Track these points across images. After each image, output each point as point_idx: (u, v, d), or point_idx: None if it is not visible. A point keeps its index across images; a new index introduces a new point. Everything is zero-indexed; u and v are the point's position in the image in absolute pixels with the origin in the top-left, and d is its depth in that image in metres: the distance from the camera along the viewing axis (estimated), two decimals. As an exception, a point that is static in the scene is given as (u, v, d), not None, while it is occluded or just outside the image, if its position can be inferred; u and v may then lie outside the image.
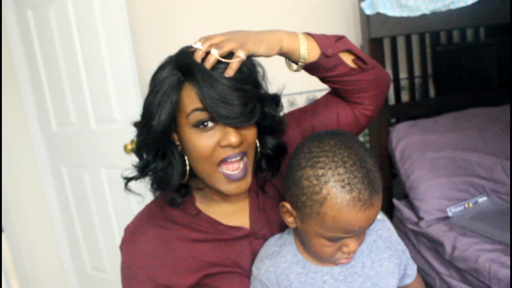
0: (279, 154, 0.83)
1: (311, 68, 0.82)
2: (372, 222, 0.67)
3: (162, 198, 0.84)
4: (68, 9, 1.89)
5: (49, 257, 2.38)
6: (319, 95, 2.26)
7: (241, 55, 0.70)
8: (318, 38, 0.80)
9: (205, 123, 0.71)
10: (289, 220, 0.73)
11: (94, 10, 1.80)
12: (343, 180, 0.64)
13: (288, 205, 0.71)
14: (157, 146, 0.76)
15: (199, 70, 0.70)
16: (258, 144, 0.80)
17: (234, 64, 0.69)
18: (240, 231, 0.82)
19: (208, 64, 0.69)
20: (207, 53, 0.70)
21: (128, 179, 0.82)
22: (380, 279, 0.75)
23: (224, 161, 0.73)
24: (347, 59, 0.82)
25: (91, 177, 2.10)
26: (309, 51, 0.79)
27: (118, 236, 2.08)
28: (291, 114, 0.92)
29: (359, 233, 0.69)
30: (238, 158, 0.73)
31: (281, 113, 0.84)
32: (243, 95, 0.69)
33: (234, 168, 0.74)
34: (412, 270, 0.83)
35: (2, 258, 1.98)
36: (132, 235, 0.83)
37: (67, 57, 1.97)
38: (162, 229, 0.81)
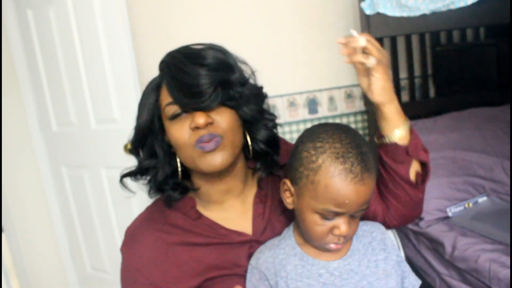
0: (270, 146, 0.84)
1: (385, 145, 0.83)
2: (362, 200, 0.70)
3: (162, 201, 0.85)
4: (68, 9, 1.89)
5: (49, 257, 2.38)
6: (319, 95, 2.27)
7: (371, 61, 0.76)
8: (414, 132, 0.83)
9: (178, 114, 0.76)
10: (288, 200, 0.77)
11: (94, 10, 1.80)
12: (338, 153, 0.69)
13: (287, 182, 0.76)
14: (143, 143, 0.82)
15: (169, 67, 0.76)
16: (249, 139, 0.83)
17: (358, 57, 0.77)
18: (242, 236, 0.83)
19: (349, 45, 0.77)
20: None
21: (123, 175, 0.86)
22: (376, 279, 0.75)
23: (198, 142, 0.76)
24: (414, 169, 0.85)
25: (91, 177, 2.10)
26: (400, 135, 0.81)
27: (118, 236, 2.08)
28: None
29: (349, 211, 0.70)
30: (210, 138, 0.75)
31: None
32: (207, 78, 0.73)
33: (207, 144, 0.76)
34: (410, 284, 0.80)
35: (2, 258, 1.98)
36: (133, 238, 0.83)
37: (67, 57, 1.97)
38: (163, 233, 0.82)
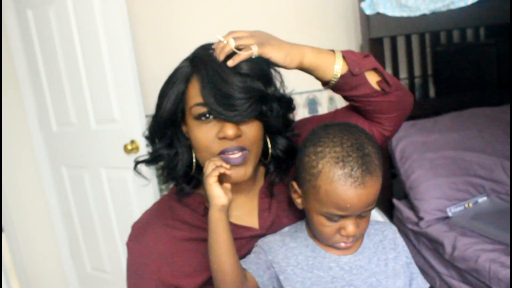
0: (289, 156, 0.83)
1: (336, 85, 0.81)
2: (365, 203, 0.69)
3: (170, 197, 0.85)
4: (68, 9, 1.89)
5: (49, 257, 2.38)
6: (319, 95, 2.26)
7: (253, 49, 0.71)
8: (346, 55, 0.79)
9: (206, 116, 0.74)
10: (298, 200, 0.78)
11: (94, 10, 1.80)
12: (337, 157, 0.69)
13: (295, 184, 0.77)
14: (162, 133, 0.80)
15: (205, 64, 0.73)
16: (269, 146, 0.82)
17: (242, 56, 0.71)
18: (250, 231, 0.83)
19: (223, 52, 0.71)
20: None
21: (137, 162, 0.84)
22: (385, 277, 0.76)
23: (222, 153, 0.75)
24: (372, 79, 0.81)
25: (91, 177, 2.10)
26: (339, 68, 0.78)
27: (118, 236, 2.08)
28: (309, 119, 0.94)
29: (353, 214, 0.70)
30: (236, 152, 0.74)
31: (296, 117, 0.86)
32: (243, 91, 0.71)
33: (234, 157, 0.75)
34: (418, 286, 0.80)
35: (2, 258, 1.98)
36: (141, 233, 0.83)
37: (67, 57, 1.97)
38: (171, 228, 0.81)
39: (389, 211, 2.03)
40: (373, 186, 0.70)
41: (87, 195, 2.15)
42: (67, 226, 2.35)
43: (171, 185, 0.87)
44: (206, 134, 0.74)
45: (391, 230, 0.82)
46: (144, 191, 1.87)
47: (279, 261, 0.75)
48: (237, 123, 0.73)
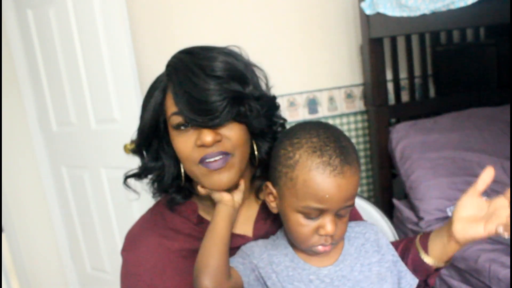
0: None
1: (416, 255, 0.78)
2: (344, 195, 0.66)
3: (163, 205, 0.84)
4: (68, 9, 1.89)
5: (49, 257, 2.38)
6: (319, 95, 2.27)
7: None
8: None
9: (184, 125, 0.72)
10: (272, 204, 0.74)
11: (94, 10, 1.80)
12: (315, 147, 0.67)
13: (269, 184, 0.73)
14: (148, 146, 0.79)
15: (177, 71, 0.71)
16: (255, 149, 0.79)
17: None
18: (244, 239, 0.81)
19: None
20: None
21: (127, 176, 0.83)
22: (370, 284, 0.72)
23: (202, 160, 0.72)
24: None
25: (91, 177, 2.10)
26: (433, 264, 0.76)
27: (118, 236, 2.08)
28: None
29: (332, 208, 0.67)
30: (217, 158, 0.72)
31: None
32: (217, 94, 0.69)
33: (212, 161, 0.73)
34: (407, 283, 0.76)
35: (2, 258, 1.98)
36: (134, 244, 0.82)
37: (67, 57, 1.97)
38: (165, 238, 0.80)
39: (389, 211, 2.03)
40: (352, 177, 0.67)
41: (87, 195, 2.15)
42: (67, 226, 2.35)
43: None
44: (185, 143, 0.73)
45: (373, 232, 0.78)
46: (144, 191, 1.87)
47: (264, 266, 0.73)
48: (215, 127, 0.70)
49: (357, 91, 2.31)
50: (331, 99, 2.29)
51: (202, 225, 0.81)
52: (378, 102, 2.08)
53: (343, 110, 2.32)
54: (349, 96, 2.31)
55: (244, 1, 2.15)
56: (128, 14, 1.78)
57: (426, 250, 0.76)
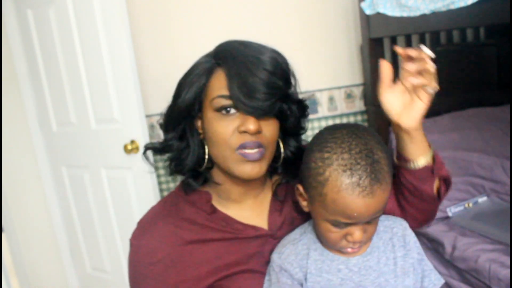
0: (297, 157, 0.83)
1: (408, 169, 0.80)
2: (373, 212, 0.68)
3: (176, 195, 0.84)
4: (68, 9, 1.89)
5: (49, 257, 2.38)
6: (319, 95, 2.27)
7: (428, 52, 0.69)
8: (435, 152, 0.80)
9: (228, 109, 0.73)
10: (303, 203, 0.76)
11: (94, 10, 1.80)
12: (345, 165, 0.66)
13: (300, 187, 0.75)
14: (176, 124, 0.79)
15: (233, 57, 0.73)
16: (282, 148, 0.82)
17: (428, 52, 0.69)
18: (258, 231, 0.82)
19: (425, 49, 0.69)
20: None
21: (147, 148, 0.83)
22: (394, 277, 0.75)
23: (241, 147, 0.74)
24: (435, 184, 0.82)
25: (91, 177, 2.10)
26: (426, 161, 0.78)
27: (118, 236, 2.08)
28: None
29: (361, 221, 0.69)
30: (255, 150, 0.74)
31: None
32: (268, 86, 0.71)
33: (251, 152, 0.75)
34: (431, 283, 0.78)
35: (2, 258, 1.98)
36: (147, 231, 0.81)
37: (67, 57, 1.98)
38: (178, 228, 0.80)
39: (389, 211, 2.03)
40: (381, 195, 0.67)
41: (87, 195, 2.15)
42: (67, 226, 2.35)
43: (177, 183, 0.86)
44: (226, 127, 0.74)
45: (401, 227, 0.80)
46: (144, 191, 1.87)
47: (296, 271, 0.75)
48: (259, 117, 0.73)
49: (357, 91, 2.31)
50: (331, 99, 2.29)
51: (214, 214, 0.82)
52: (378, 102, 2.06)
53: (343, 110, 2.32)
54: (349, 96, 2.31)
55: (244, 1, 2.15)
56: (128, 14, 1.78)
57: (408, 160, 0.78)
